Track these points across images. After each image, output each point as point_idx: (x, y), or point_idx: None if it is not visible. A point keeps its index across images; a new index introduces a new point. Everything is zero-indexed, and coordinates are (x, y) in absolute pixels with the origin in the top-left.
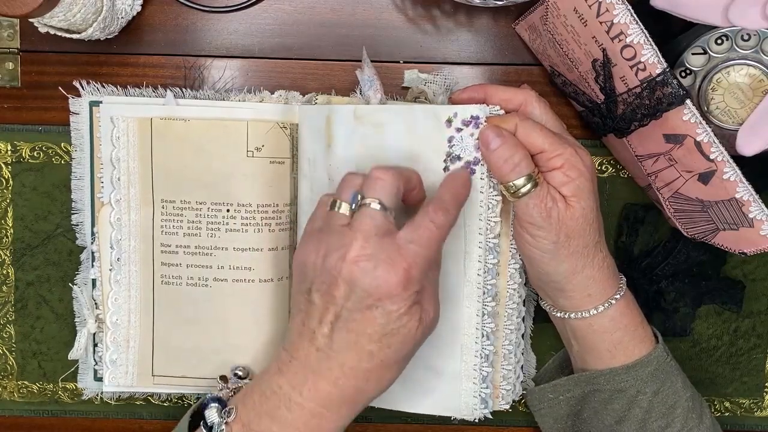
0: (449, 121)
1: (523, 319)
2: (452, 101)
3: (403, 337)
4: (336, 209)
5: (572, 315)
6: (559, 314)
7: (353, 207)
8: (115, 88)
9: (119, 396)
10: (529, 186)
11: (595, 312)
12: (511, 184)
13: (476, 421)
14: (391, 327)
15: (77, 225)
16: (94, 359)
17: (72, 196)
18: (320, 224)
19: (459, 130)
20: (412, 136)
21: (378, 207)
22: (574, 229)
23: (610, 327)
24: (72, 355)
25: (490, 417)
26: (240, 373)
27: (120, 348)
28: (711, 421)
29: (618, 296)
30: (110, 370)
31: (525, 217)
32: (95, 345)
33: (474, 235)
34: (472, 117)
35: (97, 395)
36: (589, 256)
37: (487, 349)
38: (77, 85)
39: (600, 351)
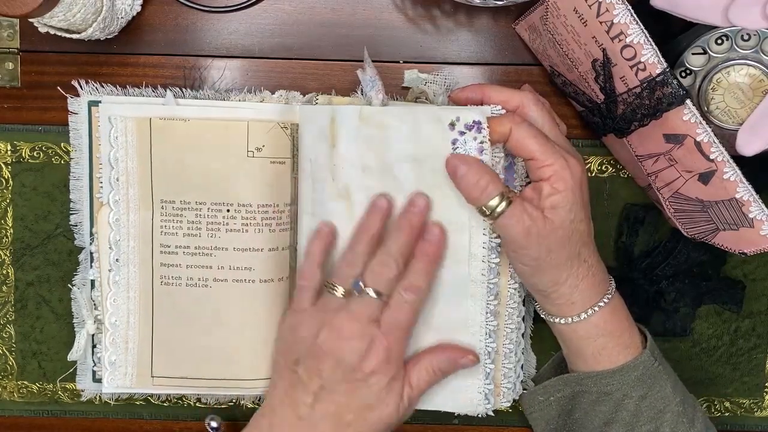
0: (452, 125)
1: (523, 319)
2: (451, 100)
3: (379, 413)
4: (332, 293)
5: (557, 320)
6: (546, 318)
7: (355, 294)
8: (114, 88)
9: (119, 396)
10: (503, 205)
11: (578, 319)
12: (483, 207)
13: (478, 416)
14: (371, 400)
15: (76, 225)
16: (93, 360)
17: (71, 197)
18: (308, 304)
19: (462, 133)
20: (417, 138)
21: (375, 296)
22: (554, 242)
23: (593, 333)
24: (71, 356)
25: (492, 414)
26: (214, 425)
27: (119, 349)
28: (703, 425)
29: (602, 304)
30: (109, 371)
31: (506, 236)
32: (94, 346)
33: (478, 236)
34: (474, 122)
35: (97, 396)
36: (573, 266)
37: (489, 346)
38: (76, 84)
39: (585, 355)
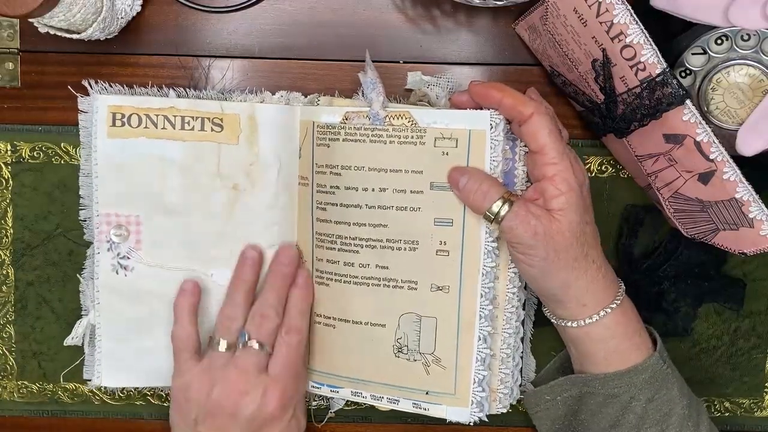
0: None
1: (523, 323)
2: (452, 104)
3: None
4: (216, 348)
5: (569, 323)
6: (557, 322)
7: (239, 346)
8: (121, 87)
9: (119, 396)
10: (506, 207)
11: (590, 321)
12: (487, 213)
13: (470, 424)
14: None
15: (85, 221)
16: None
17: (80, 192)
18: (192, 365)
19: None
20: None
21: (257, 347)
22: (561, 243)
23: (605, 335)
24: (68, 341)
25: (486, 420)
26: None
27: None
28: (708, 428)
29: (614, 305)
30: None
31: (513, 238)
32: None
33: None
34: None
35: (97, 395)
36: (580, 268)
37: (483, 352)
38: (86, 84)
39: (596, 358)
